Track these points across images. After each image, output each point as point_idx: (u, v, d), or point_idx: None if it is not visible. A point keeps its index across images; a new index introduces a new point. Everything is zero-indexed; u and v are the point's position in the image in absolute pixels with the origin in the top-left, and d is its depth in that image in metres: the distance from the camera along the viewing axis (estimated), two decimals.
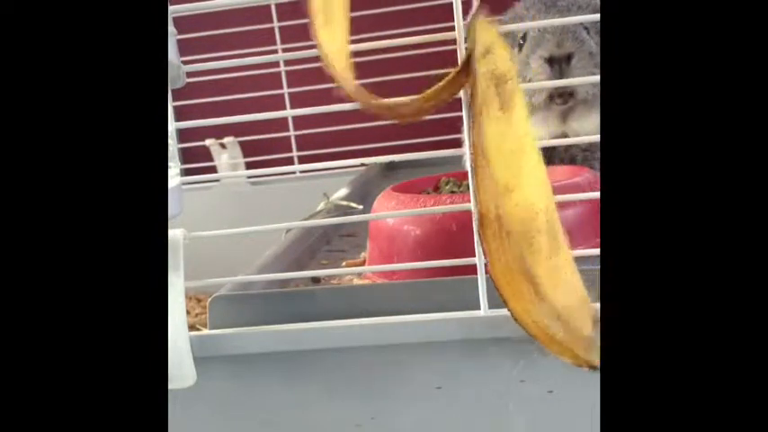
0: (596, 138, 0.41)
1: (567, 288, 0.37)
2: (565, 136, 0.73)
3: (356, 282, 0.66)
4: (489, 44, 0.38)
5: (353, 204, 0.88)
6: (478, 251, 0.48)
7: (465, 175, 0.71)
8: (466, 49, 0.38)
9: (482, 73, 0.37)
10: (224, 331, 0.51)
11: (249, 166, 1.36)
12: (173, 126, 0.51)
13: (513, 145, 0.37)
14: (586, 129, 0.73)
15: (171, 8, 0.47)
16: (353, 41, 0.52)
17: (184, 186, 0.52)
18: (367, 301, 0.51)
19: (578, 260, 0.57)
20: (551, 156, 0.77)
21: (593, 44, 0.72)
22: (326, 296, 0.52)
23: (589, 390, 0.45)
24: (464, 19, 0.48)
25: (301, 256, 0.74)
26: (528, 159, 0.38)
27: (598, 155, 0.74)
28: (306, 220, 0.82)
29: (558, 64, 0.70)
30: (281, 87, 1.31)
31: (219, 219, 0.86)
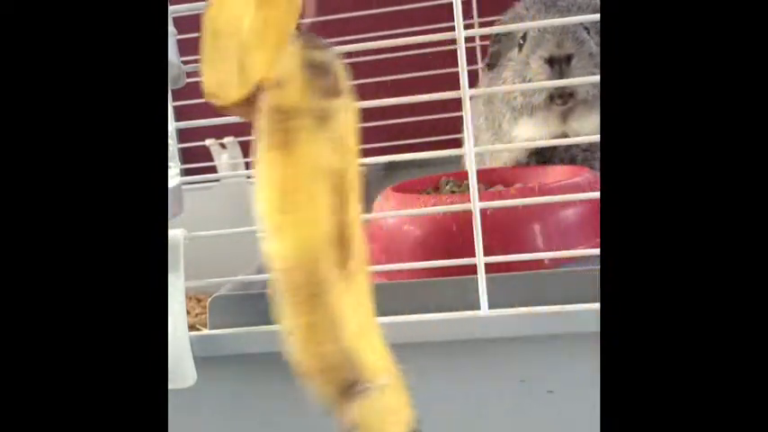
0: (596, 138, 0.41)
1: (318, 350, 0.33)
2: (565, 136, 0.73)
3: None
4: (287, 74, 0.34)
5: None
6: (478, 251, 0.48)
7: (465, 175, 0.71)
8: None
9: (269, 103, 0.34)
10: (224, 331, 0.51)
11: (249, 166, 1.35)
12: (173, 126, 0.51)
13: (286, 186, 0.34)
14: (587, 129, 0.73)
15: (171, 8, 0.47)
16: (354, 41, 0.52)
17: (184, 186, 0.52)
18: None
19: (578, 260, 0.57)
20: (551, 156, 0.77)
21: (594, 44, 0.72)
22: None
23: (589, 390, 0.45)
24: (464, 19, 0.48)
25: None
26: (302, 204, 0.34)
27: (598, 155, 0.74)
28: None
29: (558, 64, 0.70)
30: None
31: (219, 219, 0.86)
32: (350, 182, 0.35)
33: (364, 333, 0.35)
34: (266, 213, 0.34)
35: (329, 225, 0.34)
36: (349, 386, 0.33)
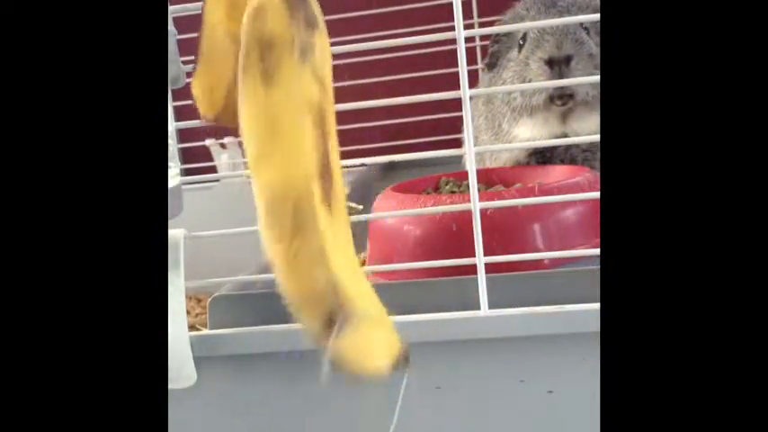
0: (596, 138, 0.41)
1: (304, 278, 0.34)
2: (565, 136, 0.73)
3: None
4: (266, 3, 0.34)
5: (353, 204, 0.88)
6: (478, 251, 0.48)
7: (465, 175, 0.71)
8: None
9: (248, 33, 0.34)
10: (224, 331, 0.51)
11: None
12: (173, 126, 0.51)
13: (271, 116, 0.34)
14: (587, 130, 0.73)
15: (171, 8, 0.47)
16: (353, 42, 0.52)
17: (184, 186, 0.52)
18: None
19: (578, 260, 0.57)
20: (551, 156, 0.77)
21: (593, 45, 0.72)
22: None
23: (589, 390, 0.45)
24: (464, 19, 0.48)
25: None
26: (287, 135, 0.34)
27: (599, 155, 0.74)
28: None
29: (558, 66, 0.70)
30: None
31: (219, 219, 0.86)
32: (329, 114, 0.35)
33: (348, 266, 0.35)
34: (250, 147, 0.34)
35: (315, 157, 0.34)
36: (333, 318, 0.33)
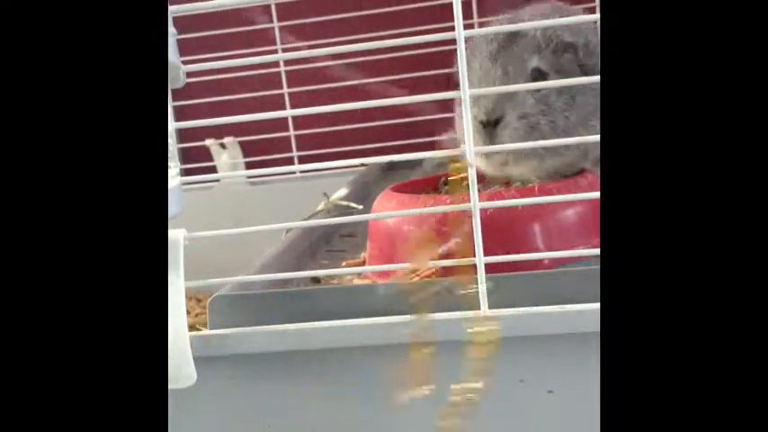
0: (596, 138, 0.41)
1: None
2: (507, 179, 0.71)
3: (356, 282, 0.66)
4: None
5: (353, 204, 0.88)
6: (478, 251, 0.48)
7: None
8: None
9: None
10: (224, 331, 0.51)
11: (249, 166, 1.36)
12: (173, 126, 0.51)
13: None
14: (524, 173, 0.71)
15: (171, 8, 0.47)
16: (352, 42, 0.52)
17: (184, 186, 0.52)
18: (367, 301, 0.51)
19: (578, 260, 0.57)
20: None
21: (531, 104, 0.67)
22: (326, 296, 0.52)
23: (589, 390, 0.45)
24: (464, 19, 0.48)
25: (301, 256, 0.74)
26: None
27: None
28: (306, 220, 0.82)
29: (489, 126, 0.68)
30: (281, 87, 1.31)
31: (219, 219, 0.86)
32: None
33: None
34: None
35: None
36: None
